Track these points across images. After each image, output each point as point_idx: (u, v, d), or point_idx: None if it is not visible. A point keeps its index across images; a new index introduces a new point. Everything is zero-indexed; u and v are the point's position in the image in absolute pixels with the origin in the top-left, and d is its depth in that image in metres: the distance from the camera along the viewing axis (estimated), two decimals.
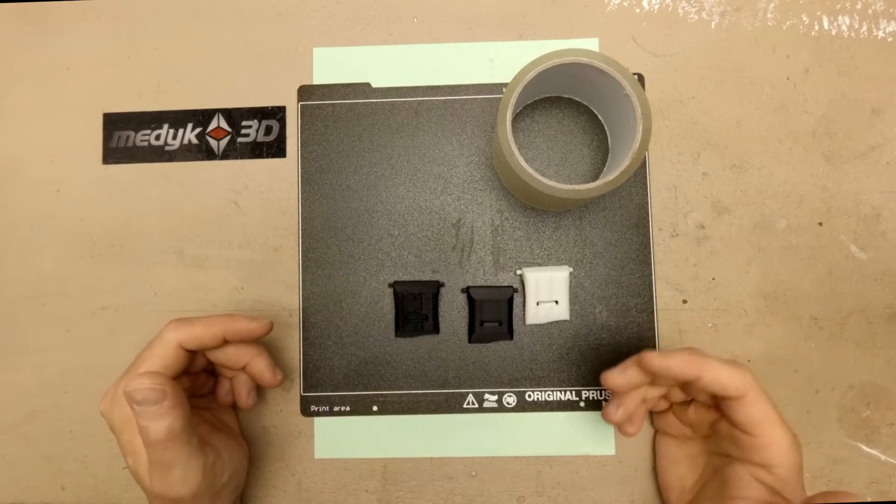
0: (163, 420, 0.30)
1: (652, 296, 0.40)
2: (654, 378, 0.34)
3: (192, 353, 0.35)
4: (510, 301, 0.40)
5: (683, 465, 0.37)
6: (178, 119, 0.42)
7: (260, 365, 0.36)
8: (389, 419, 0.40)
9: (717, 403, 0.34)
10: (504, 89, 0.36)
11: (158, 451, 0.31)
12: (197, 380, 0.38)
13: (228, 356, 0.36)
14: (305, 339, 0.40)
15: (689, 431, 0.37)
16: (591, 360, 0.40)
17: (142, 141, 0.42)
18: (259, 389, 0.40)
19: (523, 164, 0.34)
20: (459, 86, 0.41)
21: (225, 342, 0.35)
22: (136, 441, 0.32)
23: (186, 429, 0.31)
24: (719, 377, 0.31)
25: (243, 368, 0.37)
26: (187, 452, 0.31)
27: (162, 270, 0.41)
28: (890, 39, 0.41)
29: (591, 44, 0.42)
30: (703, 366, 0.32)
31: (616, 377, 0.34)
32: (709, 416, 0.35)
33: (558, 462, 0.40)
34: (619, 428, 0.36)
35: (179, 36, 0.42)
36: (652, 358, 0.32)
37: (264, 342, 0.40)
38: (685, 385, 0.34)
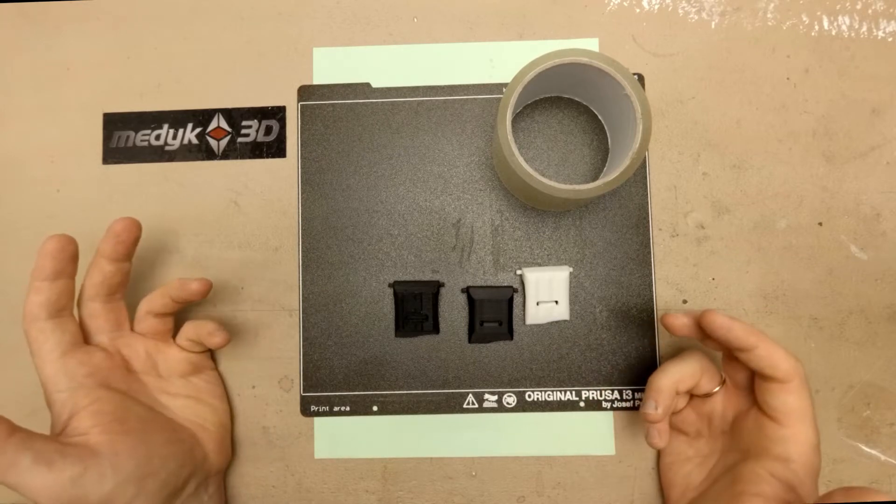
0: None
1: (652, 296, 0.40)
2: (704, 339, 0.35)
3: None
4: (510, 301, 0.40)
5: (691, 463, 0.37)
6: (178, 119, 0.42)
7: (202, 330, 0.37)
8: (389, 419, 0.40)
9: (755, 386, 0.34)
10: (504, 89, 0.36)
11: None
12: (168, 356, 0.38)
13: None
14: (305, 339, 0.40)
15: (704, 428, 0.37)
16: (591, 360, 0.40)
17: (142, 141, 0.42)
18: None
19: (523, 164, 0.34)
20: (459, 86, 0.41)
21: (176, 304, 0.36)
22: None
23: (9, 454, 0.30)
24: (775, 353, 0.32)
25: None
26: (12, 472, 0.30)
27: (162, 270, 0.41)
28: (890, 39, 0.41)
29: (591, 44, 0.42)
30: (762, 338, 0.32)
31: (675, 319, 0.35)
32: (737, 405, 0.35)
33: (558, 462, 0.40)
34: (653, 435, 0.36)
35: (179, 36, 0.42)
36: (717, 317, 0.33)
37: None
38: (730, 361, 0.35)
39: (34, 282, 0.34)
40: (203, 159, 0.42)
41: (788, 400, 0.32)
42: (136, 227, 0.36)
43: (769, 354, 0.32)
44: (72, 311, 0.35)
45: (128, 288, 0.37)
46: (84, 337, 0.36)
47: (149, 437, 0.34)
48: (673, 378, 0.35)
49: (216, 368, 0.40)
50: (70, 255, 0.34)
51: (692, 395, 0.37)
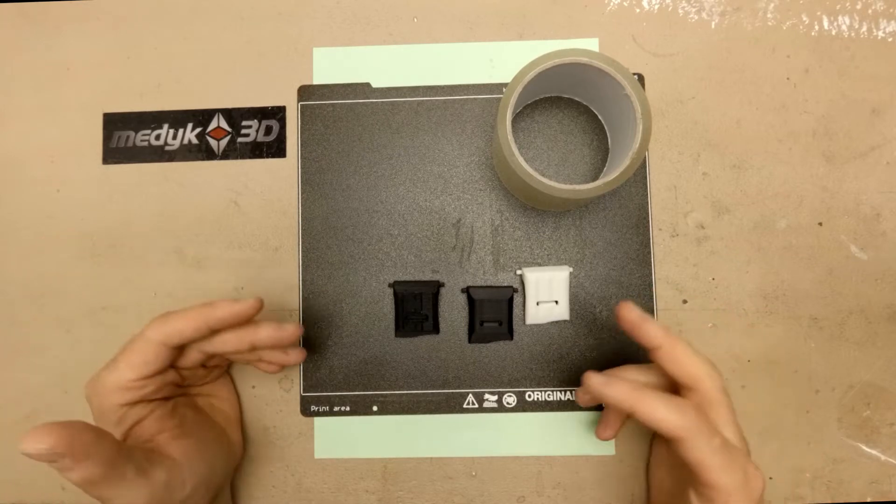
0: (73, 472, 0.28)
1: (652, 296, 0.40)
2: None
3: (180, 348, 0.33)
4: (510, 301, 0.40)
5: (664, 468, 0.37)
6: (178, 119, 0.42)
7: (263, 334, 0.33)
8: (389, 419, 0.40)
9: None
10: (504, 89, 0.36)
11: (86, 489, 0.29)
12: (195, 373, 0.36)
13: (226, 344, 0.33)
14: (305, 339, 0.40)
15: None
16: (591, 361, 0.40)
17: (142, 141, 0.42)
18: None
19: (523, 164, 0.34)
20: (459, 86, 0.41)
21: (213, 332, 0.33)
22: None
23: (111, 467, 0.29)
24: (655, 416, 0.29)
25: (256, 349, 0.34)
26: (121, 484, 0.29)
27: (162, 270, 0.41)
28: (890, 39, 0.41)
29: (591, 44, 0.42)
30: (639, 401, 0.30)
31: (580, 397, 0.36)
32: None
33: (558, 462, 0.40)
34: (600, 428, 0.38)
35: (179, 36, 0.42)
36: (592, 381, 0.31)
37: None
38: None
39: (199, 320, 0.32)
40: (203, 159, 0.42)
41: (687, 456, 0.29)
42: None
43: (648, 417, 0.30)
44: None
45: None
46: None
47: (205, 438, 0.35)
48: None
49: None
50: (243, 322, 0.33)
51: None
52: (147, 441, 0.33)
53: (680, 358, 0.32)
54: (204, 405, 0.38)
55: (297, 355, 0.36)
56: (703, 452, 0.29)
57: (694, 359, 0.32)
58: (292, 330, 0.34)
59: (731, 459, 0.30)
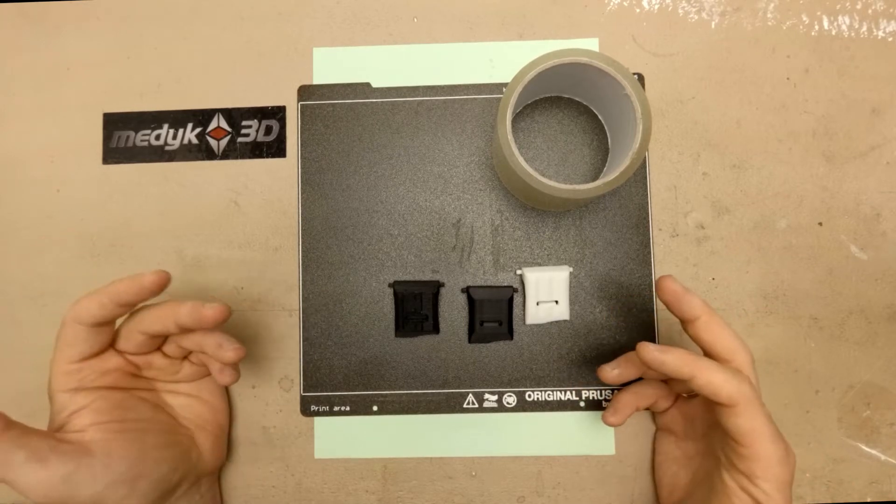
0: None
1: (652, 296, 0.40)
2: (646, 372, 0.34)
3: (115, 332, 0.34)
4: (510, 301, 0.40)
5: (678, 463, 0.37)
6: (178, 119, 0.42)
7: (183, 311, 0.32)
8: (389, 419, 0.40)
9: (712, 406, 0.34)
10: (504, 89, 0.36)
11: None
12: (152, 362, 0.36)
13: (149, 324, 0.33)
14: (305, 339, 0.40)
15: (689, 429, 0.37)
16: (591, 360, 0.40)
17: (142, 141, 0.42)
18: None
19: (523, 164, 0.34)
20: (459, 86, 0.41)
21: (181, 330, 0.33)
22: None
23: (3, 450, 0.30)
24: (713, 381, 0.30)
25: (184, 331, 0.34)
26: (9, 469, 0.30)
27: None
28: (890, 39, 0.41)
29: (591, 44, 0.42)
30: (698, 366, 0.31)
31: (608, 373, 0.36)
32: (712, 412, 0.35)
33: (558, 462, 0.40)
34: (608, 412, 0.37)
35: (179, 36, 0.42)
36: (648, 350, 0.32)
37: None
38: (681, 382, 0.34)
39: (103, 296, 0.32)
40: (203, 159, 0.42)
41: (740, 423, 0.30)
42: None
43: (707, 382, 0.30)
44: (114, 325, 0.34)
45: None
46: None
47: (145, 438, 0.34)
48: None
49: None
50: (152, 295, 0.33)
51: (678, 396, 0.38)
52: (78, 431, 0.32)
53: (717, 330, 0.33)
54: (177, 404, 0.37)
55: (233, 352, 0.34)
56: (757, 420, 0.30)
57: (730, 331, 0.33)
58: (216, 308, 0.32)
59: (777, 431, 0.31)
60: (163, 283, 0.33)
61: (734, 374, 0.31)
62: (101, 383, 0.34)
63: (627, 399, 0.37)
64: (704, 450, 0.36)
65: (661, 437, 0.39)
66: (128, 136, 0.42)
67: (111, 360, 0.34)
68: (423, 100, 0.41)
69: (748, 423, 0.30)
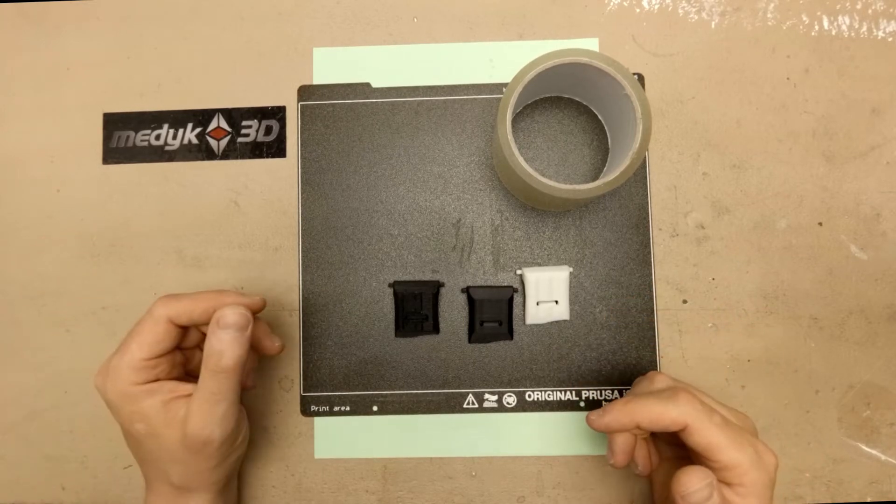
0: (239, 348, 0.31)
1: (652, 296, 0.40)
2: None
3: (185, 330, 0.34)
4: (510, 301, 0.40)
5: (673, 464, 0.37)
6: (178, 119, 0.42)
7: (257, 332, 0.35)
8: (389, 419, 0.40)
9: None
10: (504, 89, 0.36)
11: (220, 381, 0.32)
12: (193, 357, 0.37)
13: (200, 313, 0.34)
14: (305, 339, 0.40)
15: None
16: (591, 360, 0.40)
17: (142, 141, 0.42)
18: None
19: (523, 164, 0.34)
20: (459, 86, 0.41)
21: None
22: (144, 407, 0.32)
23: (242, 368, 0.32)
24: (655, 417, 0.31)
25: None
26: (236, 391, 0.32)
27: (162, 270, 0.41)
28: (890, 39, 0.41)
29: (591, 44, 0.42)
30: (636, 412, 0.31)
31: (595, 421, 0.34)
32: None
33: (558, 462, 0.40)
34: (609, 453, 0.35)
35: (179, 36, 0.42)
36: (591, 421, 0.33)
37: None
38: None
39: (209, 300, 0.33)
40: (203, 159, 0.42)
41: (696, 440, 0.30)
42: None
43: (651, 421, 0.31)
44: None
45: None
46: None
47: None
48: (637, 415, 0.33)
49: None
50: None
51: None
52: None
53: (705, 435, 0.31)
54: None
55: (269, 342, 0.36)
56: (709, 432, 0.30)
57: (729, 433, 0.31)
58: (257, 299, 0.35)
59: (738, 435, 0.31)
60: (261, 309, 0.35)
61: (670, 398, 0.31)
62: (173, 374, 0.34)
63: (621, 440, 0.35)
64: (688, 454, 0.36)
65: (656, 437, 0.39)
66: (128, 136, 0.42)
67: (178, 356, 0.35)
68: (423, 100, 0.41)
69: (703, 439, 0.30)
